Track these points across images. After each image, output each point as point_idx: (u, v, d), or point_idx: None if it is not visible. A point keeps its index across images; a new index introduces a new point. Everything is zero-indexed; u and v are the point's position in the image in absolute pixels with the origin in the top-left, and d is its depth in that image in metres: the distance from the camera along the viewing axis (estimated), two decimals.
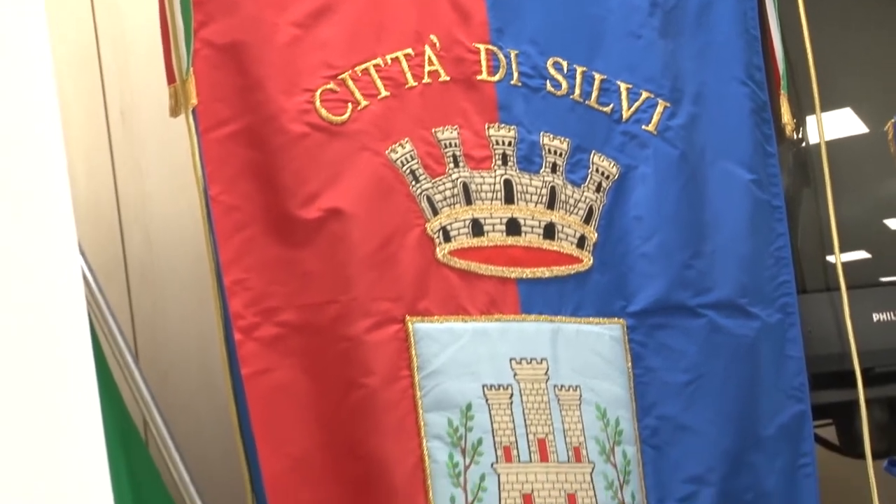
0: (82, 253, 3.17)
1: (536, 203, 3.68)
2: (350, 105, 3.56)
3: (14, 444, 2.73)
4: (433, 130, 3.64)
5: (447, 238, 3.59)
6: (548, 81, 3.76)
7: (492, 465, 3.60)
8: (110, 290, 3.53)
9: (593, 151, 3.75)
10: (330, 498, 3.54)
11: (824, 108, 4.00)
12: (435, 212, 3.59)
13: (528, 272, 3.66)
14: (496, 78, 3.73)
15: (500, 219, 3.66)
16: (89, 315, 3.16)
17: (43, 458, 2.83)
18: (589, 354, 3.71)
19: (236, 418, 3.51)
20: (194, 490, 3.52)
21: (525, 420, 3.66)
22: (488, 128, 3.70)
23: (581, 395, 3.73)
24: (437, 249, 3.57)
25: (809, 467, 3.90)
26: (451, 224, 3.60)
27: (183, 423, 3.66)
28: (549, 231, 3.69)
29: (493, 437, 3.64)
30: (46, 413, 3.04)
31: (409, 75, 3.63)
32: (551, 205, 3.69)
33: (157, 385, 3.60)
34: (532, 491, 3.62)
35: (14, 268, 2.93)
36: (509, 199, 3.67)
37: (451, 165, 3.62)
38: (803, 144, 4.14)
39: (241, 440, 3.50)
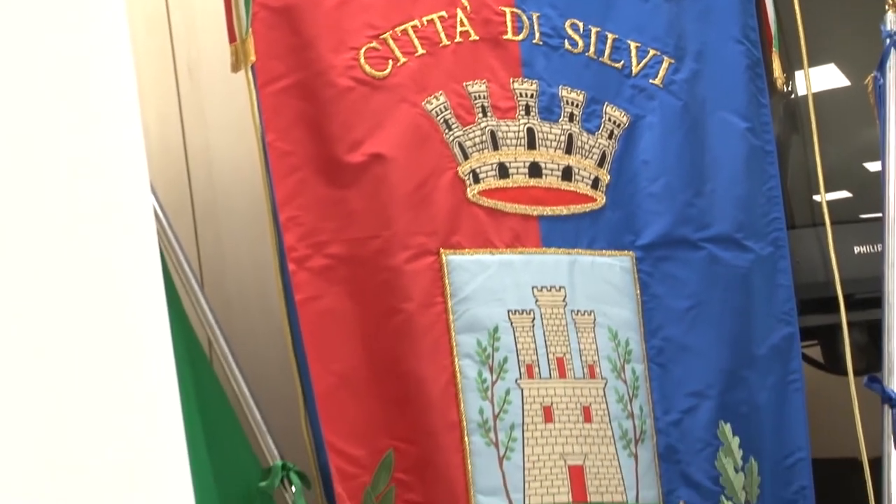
0: (154, 192, 3.19)
1: (556, 149, 3.71)
2: (391, 62, 3.62)
3: (92, 361, 2.75)
4: (464, 84, 3.69)
5: (476, 180, 3.62)
6: (566, 40, 3.79)
7: (516, 380, 3.63)
8: (178, 225, 3.59)
9: (606, 103, 3.78)
10: (373, 410, 3.58)
11: (811, 64, 4.01)
12: (466, 156, 3.62)
13: (548, 210, 3.69)
14: (520, 37, 3.76)
15: (524, 163, 3.69)
16: (160, 248, 3.16)
17: (118, 374, 2.87)
18: (602, 283, 3.75)
19: (290, 339, 3.56)
20: (253, 403, 3.55)
21: (545, 341, 3.69)
22: (513, 82, 3.74)
23: (595, 319, 3.78)
24: (468, 190, 3.61)
25: (797, 383, 3.94)
26: (479, 167, 3.64)
27: (243, 343, 3.71)
28: (567, 173, 3.72)
29: (518, 356, 3.67)
30: (121, 334, 3.06)
31: (442, 35, 3.66)
32: (569, 150, 3.72)
33: (221, 309, 3.64)
34: (552, 403, 3.65)
35: (92, 207, 2.95)
36: (531, 145, 3.71)
37: (480, 115, 3.65)
38: (792, 96, 4.17)
39: (295, 359, 3.55)
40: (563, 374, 3.69)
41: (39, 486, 2.76)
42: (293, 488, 3.49)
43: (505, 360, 3.62)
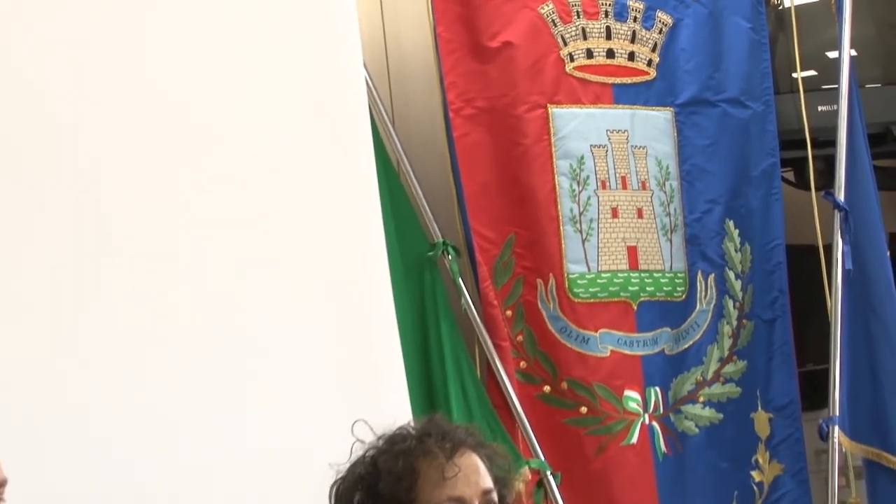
0: (364, 66, 3.30)
1: (624, 39, 3.70)
2: None
3: (316, 172, 3.14)
4: None
5: (572, 59, 3.62)
6: None
7: (594, 190, 3.66)
8: (380, 87, 3.66)
9: (658, 10, 3.75)
10: (501, 208, 3.62)
11: None
12: (565, 44, 3.61)
13: (618, 80, 3.70)
14: None
15: (603, 49, 3.69)
16: (369, 103, 3.32)
17: (337, 180, 3.20)
18: (652, 128, 3.75)
19: (449, 160, 3.59)
20: (424, 200, 3.58)
21: (614, 165, 3.70)
22: None
23: (647, 152, 3.76)
24: (566, 66, 3.61)
25: (778, 195, 3.90)
26: (574, 51, 3.63)
27: (419, 162, 3.70)
28: (631, 56, 3.70)
29: (595, 174, 3.68)
30: (343, 156, 3.27)
31: None
32: (633, 41, 3.71)
33: (406, 141, 3.66)
34: (617, 206, 3.70)
35: (325, 78, 3.21)
36: (608, 37, 3.70)
37: (576, 17, 3.65)
38: (780, 7, 4.10)
39: (452, 173, 3.59)
40: (624, 187, 3.70)
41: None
42: (449, 256, 3.54)
43: (587, 177, 3.65)
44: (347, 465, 2.11)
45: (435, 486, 2.02)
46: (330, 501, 2.12)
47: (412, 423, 2.14)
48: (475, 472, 2.03)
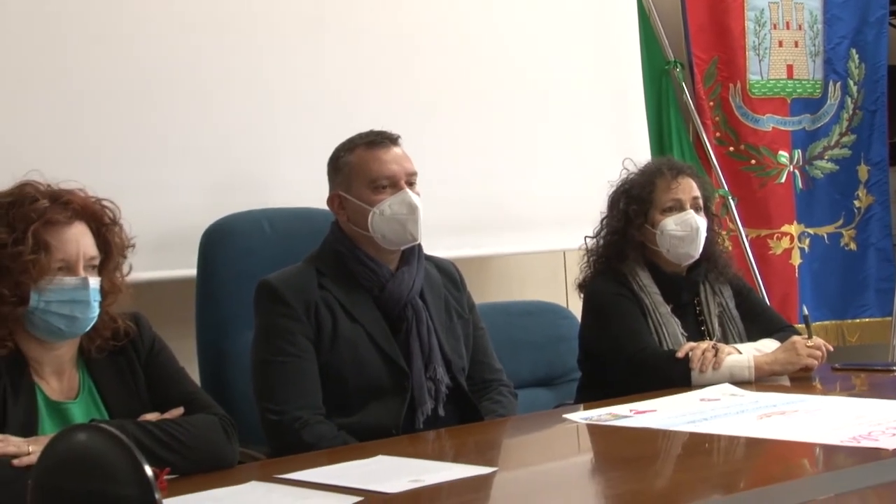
0: None
1: None
2: None
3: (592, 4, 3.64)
4: None
5: None
6: None
7: (769, 30, 4.27)
8: None
9: None
10: (711, 39, 4.21)
11: None
12: None
13: None
14: None
15: None
16: None
17: (606, 12, 3.76)
18: None
19: (681, 7, 4.15)
20: (664, 33, 4.14)
21: (782, 14, 4.31)
22: None
23: (804, 6, 4.31)
24: None
25: (885, 32, 4.38)
26: None
27: (661, 4, 4.15)
28: None
29: (770, 20, 4.26)
30: None
31: None
32: None
33: None
34: (782, 40, 4.27)
35: None
36: None
37: None
38: None
39: (682, 14, 4.16)
40: (788, 28, 4.29)
41: None
42: (678, 69, 4.15)
43: (765, 21, 4.27)
44: (619, 182, 2.69)
45: (665, 192, 2.53)
46: (608, 204, 2.70)
47: (652, 160, 2.72)
48: (690, 186, 2.55)
